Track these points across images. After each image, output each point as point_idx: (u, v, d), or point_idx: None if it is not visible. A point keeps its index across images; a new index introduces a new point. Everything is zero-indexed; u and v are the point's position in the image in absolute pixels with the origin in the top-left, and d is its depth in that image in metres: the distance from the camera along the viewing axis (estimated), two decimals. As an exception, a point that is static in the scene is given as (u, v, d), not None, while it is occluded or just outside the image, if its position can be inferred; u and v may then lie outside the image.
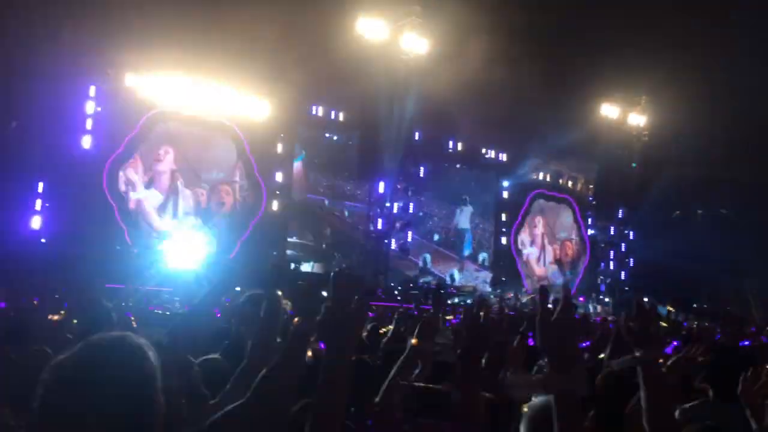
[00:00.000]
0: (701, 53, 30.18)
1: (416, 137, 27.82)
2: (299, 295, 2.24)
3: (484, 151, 30.82)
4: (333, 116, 27.00)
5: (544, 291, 1.52)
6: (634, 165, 34.52)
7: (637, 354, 2.39)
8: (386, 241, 26.98)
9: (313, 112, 26.51)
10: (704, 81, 30.65)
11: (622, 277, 34.31)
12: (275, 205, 25.16)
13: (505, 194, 31.77)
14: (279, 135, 25.16)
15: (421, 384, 2.39)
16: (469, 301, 22.00)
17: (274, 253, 23.42)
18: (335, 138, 27.89)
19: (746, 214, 35.63)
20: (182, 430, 2.14)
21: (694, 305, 29.79)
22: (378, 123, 25.92)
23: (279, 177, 25.33)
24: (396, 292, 24.03)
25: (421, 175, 28.45)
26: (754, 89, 31.40)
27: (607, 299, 32.23)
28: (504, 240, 31.41)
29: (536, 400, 2.58)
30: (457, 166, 30.46)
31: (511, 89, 26.04)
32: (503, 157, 31.26)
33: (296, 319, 2.15)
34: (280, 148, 25.39)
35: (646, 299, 27.17)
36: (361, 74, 24.26)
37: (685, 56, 30.19)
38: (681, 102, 31.18)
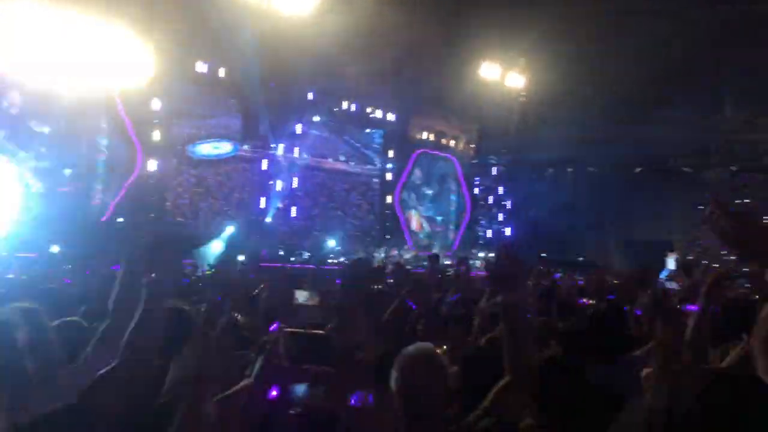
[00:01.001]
0: (576, 14, 31.57)
1: (309, 97, 27.43)
2: (149, 250, 2.15)
3: (370, 110, 30.87)
4: (215, 73, 25.89)
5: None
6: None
7: (500, 298, 2.51)
8: (267, 199, 26.63)
9: (193, 68, 25.25)
10: (579, 43, 32.18)
11: (501, 232, 35.92)
12: (153, 165, 23.94)
13: (390, 153, 32.14)
14: (155, 90, 23.78)
15: (303, 330, 2.39)
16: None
17: (152, 215, 22.37)
18: (218, 96, 26.84)
19: (612, 172, 38.25)
20: (31, 394, 2.03)
21: (563, 258, 31.63)
22: (262, 80, 25.21)
23: (156, 136, 24.04)
24: (281, 253, 23.86)
25: (308, 133, 28.14)
26: (626, 52, 33.39)
27: (484, 254, 33.69)
28: (389, 198, 31.88)
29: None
30: (344, 125, 30.36)
31: (394, 48, 26.14)
32: (389, 116, 31.47)
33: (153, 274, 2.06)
34: (157, 104, 23.99)
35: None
36: (245, 29, 23.41)
37: (561, 17, 31.48)
38: (556, 63, 32.64)
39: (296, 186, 27.93)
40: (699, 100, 37.07)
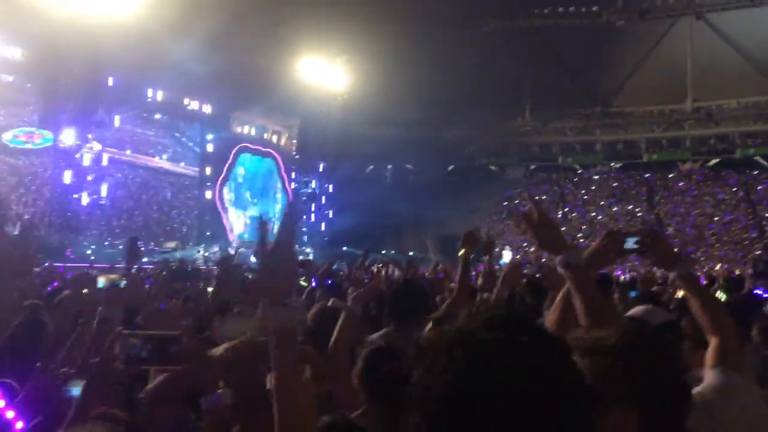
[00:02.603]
0: (394, 20, 32.82)
1: (110, 83, 25.44)
2: None
3: (186, 101, 29.58)
4: (6, 54, 23.30)
5: (263, 223, 1.49)
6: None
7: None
8: (76, 195, 24.51)
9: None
10: (397, 46, 33.49)
11: (322, 228, 36.33)
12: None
13: (210, 147, 31.06)
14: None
15: (146, 332, 2.27)
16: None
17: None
18: (10, 79, 24.21)
19: (427, 170, 40.38)
20: None
21: (383, 251, 32.75)
22: (64, 65, 23.12)
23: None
24: (89, 252, 22.11)
25: (117, 124, 26.31)
26: (438, 60, 35.33)
27: (308, 250, 33.92)
28: (209, 194, 30.82)
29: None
30: (157, 116, 28.79)
31: (216, 42, 25.32)
32: (207, 109, 30.39)
33: None
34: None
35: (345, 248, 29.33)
36: (45, 8, 21.29)
37: (379, 21, 32.54)
38: (376, 65, 33.71)
39: (112, 183, 26.00)
40: (503, 106, 40.45)
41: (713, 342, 2.00)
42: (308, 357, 2.71)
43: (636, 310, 2.18)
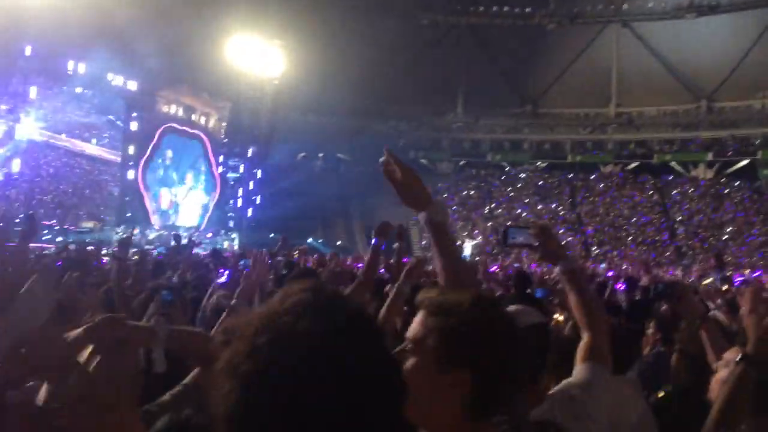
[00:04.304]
0: (333, 6, 32.56)
1: (27, 53, 24.11)
2: None
3: (110, 77, 28.33)
4: None
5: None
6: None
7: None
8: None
9: None
10: (335, 34, 33.23)
11: (249, 213, 35.73)
12: None
13: (134, 126, 29.87)
14: None
15: None
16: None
17: None
18: None
19: (358, 160, 40.36)
20: None
21: (310, 240, 32.56)
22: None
23: None
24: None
25: (33, 96, 25.00)
26: (373, 53, 35.28)
27: (234, 235, 33.33)
28: (131, 174, 29.70)
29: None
30: (78, 90, 27.47)
31: (144, 14, 24.41)
32: (132, 85, 29.22)
33: None
34: None
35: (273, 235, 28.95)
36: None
37: (317, 7, 32.21)
38: (311, 51, 33.31)
39: (27, 158, 24.66)
40: (435, 101, 40.84)
41: (585, 337, 2.07)
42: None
43: (508, 310, 2.21)
